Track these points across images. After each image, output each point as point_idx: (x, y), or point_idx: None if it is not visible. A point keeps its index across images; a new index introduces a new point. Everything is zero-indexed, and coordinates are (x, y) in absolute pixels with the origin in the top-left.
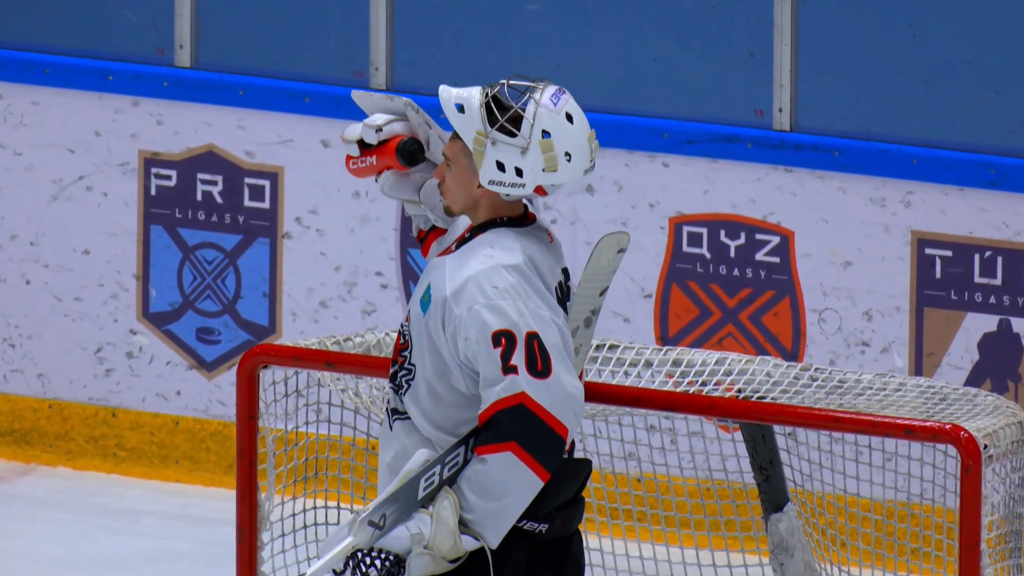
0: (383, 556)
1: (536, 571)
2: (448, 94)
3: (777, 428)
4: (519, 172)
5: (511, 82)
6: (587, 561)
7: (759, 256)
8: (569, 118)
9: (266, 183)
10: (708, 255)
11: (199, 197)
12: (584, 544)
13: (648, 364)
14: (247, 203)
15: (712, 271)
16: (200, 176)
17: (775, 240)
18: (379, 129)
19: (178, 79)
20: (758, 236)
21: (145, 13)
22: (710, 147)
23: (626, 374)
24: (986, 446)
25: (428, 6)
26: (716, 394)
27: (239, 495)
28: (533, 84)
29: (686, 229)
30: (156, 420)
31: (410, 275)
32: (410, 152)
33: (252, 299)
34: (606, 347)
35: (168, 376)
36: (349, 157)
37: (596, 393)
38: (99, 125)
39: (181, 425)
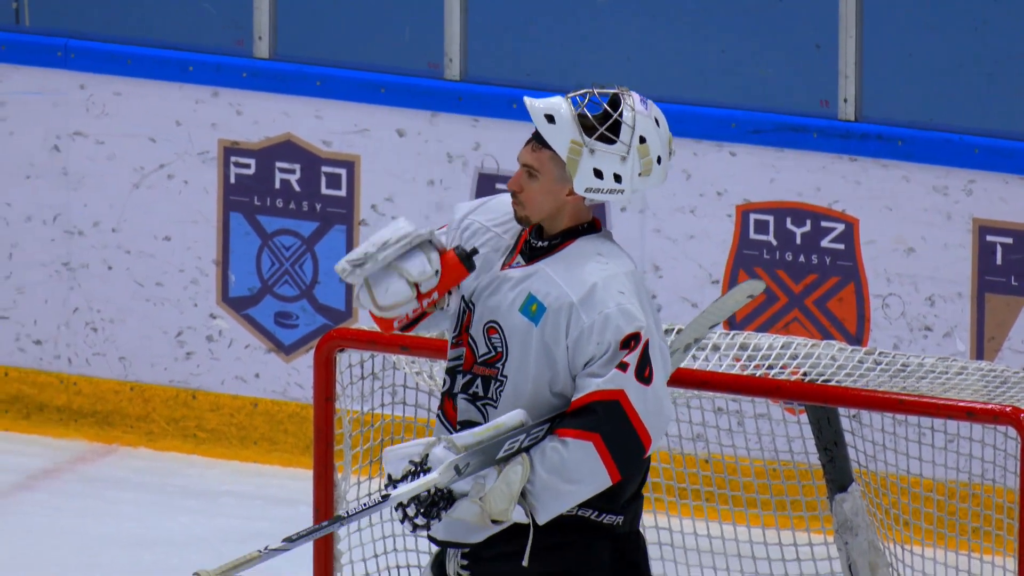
0: (437, 488)
1: (618, 566)
2: (536, 105)
3: (842, 410)
4: (618, 178)
5: (597, 90)
6: (657, 540)
7: (824, 243)
8: (657, 122)
9: (343, 171)
10: (774, 242)
11: (277, 185)
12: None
13: (716, 348)
14: (324, 191)
15: (778, 258)
16: (278, 165)
17: (840, 227)
18: (437, 271)
19: (257, 70)
20: (823, 223)
21: (224, 5)
22: (776, 137)
23: (694, 358)
24: None
25: None
26: (782, 377)
27: (316, 475)
28: (617, 90)
29: (753, 217)
30: (235, 402)
31: None
32: (468, 255)
33: (329, 284)
34: (674, 332)
35: (247, 359)
36: (385, 321)
37: None
38: (180, 115)
39: (260, 407)
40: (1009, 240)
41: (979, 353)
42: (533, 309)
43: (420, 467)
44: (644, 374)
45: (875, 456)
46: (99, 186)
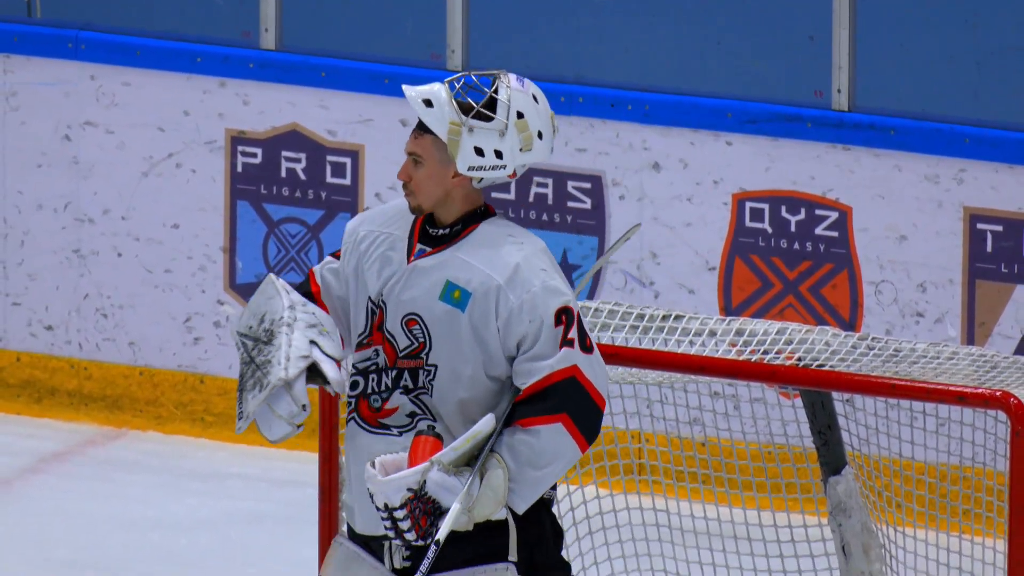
0: (436, 504)
1: (553, 535)
2: (413, 92)
3: (835, 395)
4: (499, 154)
5: (474, 73)
6: (655, 522)
7: (818, 231)
8: (535, 98)
9: (347, 160)
10: (770, 230)
11: (283, 174)
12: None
13: (712, 334)
14: (329, 180)
15: (773, 245)
16: (284, 154)
17: (834, 215)
18: (305, 406)
19: (263, 61)
20: (817, 211)
21: None
22: (772, 126)
23: (691, 343)
24: None
25: None
26: (777, 362)
27: (321, 458)
28: (494, 72)
29: (748, 205)
30: None
31: None
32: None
33: None
34: (672, 317)
35: None
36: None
37: (662, 361)
38: (188, 105)
39: None
40: (999, 228)
41: (970, 338)
42: (455, 296)
43: (419, 494)
44: (586, 344)
45: (868, 439)
46: (109, 175)
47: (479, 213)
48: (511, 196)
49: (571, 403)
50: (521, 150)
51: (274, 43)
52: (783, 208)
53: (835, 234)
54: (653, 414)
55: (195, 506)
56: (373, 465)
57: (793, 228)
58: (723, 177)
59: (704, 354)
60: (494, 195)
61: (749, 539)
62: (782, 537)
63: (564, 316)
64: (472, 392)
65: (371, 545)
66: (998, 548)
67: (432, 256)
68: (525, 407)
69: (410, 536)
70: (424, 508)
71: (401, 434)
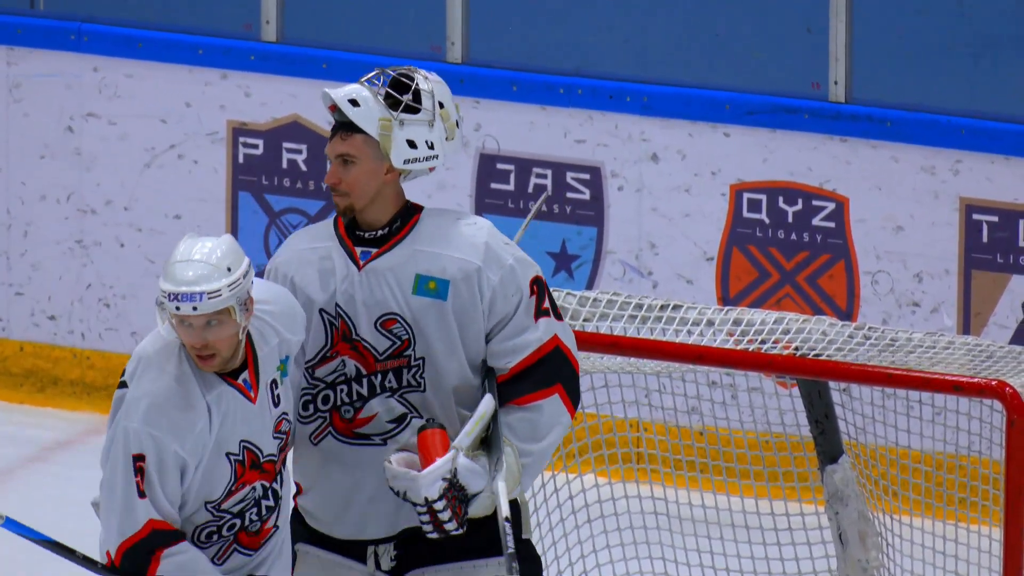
0: (465, 491)
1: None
2: (337, 93)
3: (832, 384)
4: (430, 145)
5: (387, 71)
6: (652, 510)
7: (815, 221)
8: (447, 92)
9: None
10: (767, 220)
11: (284, 165)
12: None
13: (710, 323)
14: None
15: (771, 235)
16: (285, 145)
17: (831, 206)
18: None
19: (264, 53)
20: (814, 202)
21: None
22: (769, 118)
23: (689, 333)
24: None
25: None
26: (774, 352)
27: None
28: (406, 68)
29: (746, 196)
30: None
31: None
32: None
33: None
34: (670, 307)
35: None
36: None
37: (661, 351)
38: (190, 96)
39: None
40: (995, 218)
41: (966, 328)
42: (431, 287)
43: (452, 482)
44: (557, 311)
45: (865, 428)
46: (111, 166)
47: (411, 208)
48: (511, 187)
49: (561, 372)
50: (446, 139)
51: (275, 35)
52: (780, 199)
53: (832, 225)
54: (651, 403)
55: None
56: (391, 465)
57: (790, 219)
58: (721, 168)
59: (702, 344)
60: (495, 187)
61: (747, 527)
62: (779, 525)
63: (536, 286)
64: (460, 379)
65: (351, 550)
66: (993, 536)
67: (384, 256)
68: (518, 385)
69: (450, 526)
70: (458, 496)
71: (385, 442)
